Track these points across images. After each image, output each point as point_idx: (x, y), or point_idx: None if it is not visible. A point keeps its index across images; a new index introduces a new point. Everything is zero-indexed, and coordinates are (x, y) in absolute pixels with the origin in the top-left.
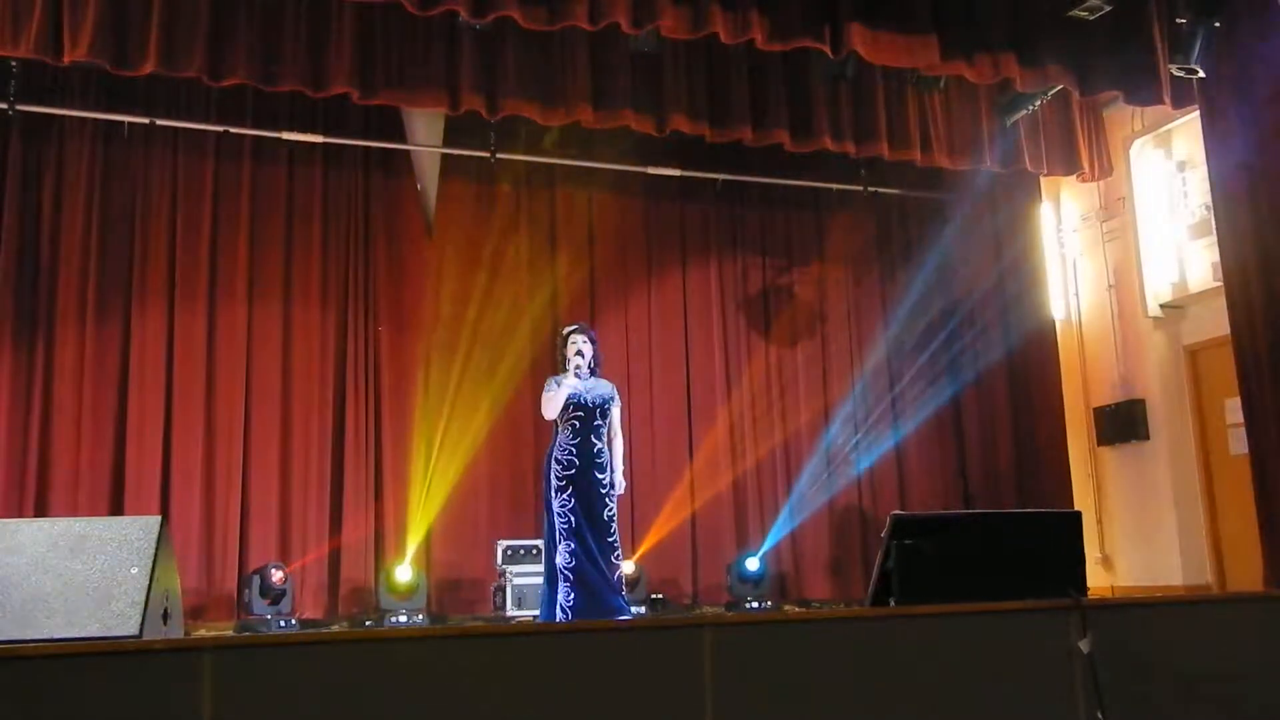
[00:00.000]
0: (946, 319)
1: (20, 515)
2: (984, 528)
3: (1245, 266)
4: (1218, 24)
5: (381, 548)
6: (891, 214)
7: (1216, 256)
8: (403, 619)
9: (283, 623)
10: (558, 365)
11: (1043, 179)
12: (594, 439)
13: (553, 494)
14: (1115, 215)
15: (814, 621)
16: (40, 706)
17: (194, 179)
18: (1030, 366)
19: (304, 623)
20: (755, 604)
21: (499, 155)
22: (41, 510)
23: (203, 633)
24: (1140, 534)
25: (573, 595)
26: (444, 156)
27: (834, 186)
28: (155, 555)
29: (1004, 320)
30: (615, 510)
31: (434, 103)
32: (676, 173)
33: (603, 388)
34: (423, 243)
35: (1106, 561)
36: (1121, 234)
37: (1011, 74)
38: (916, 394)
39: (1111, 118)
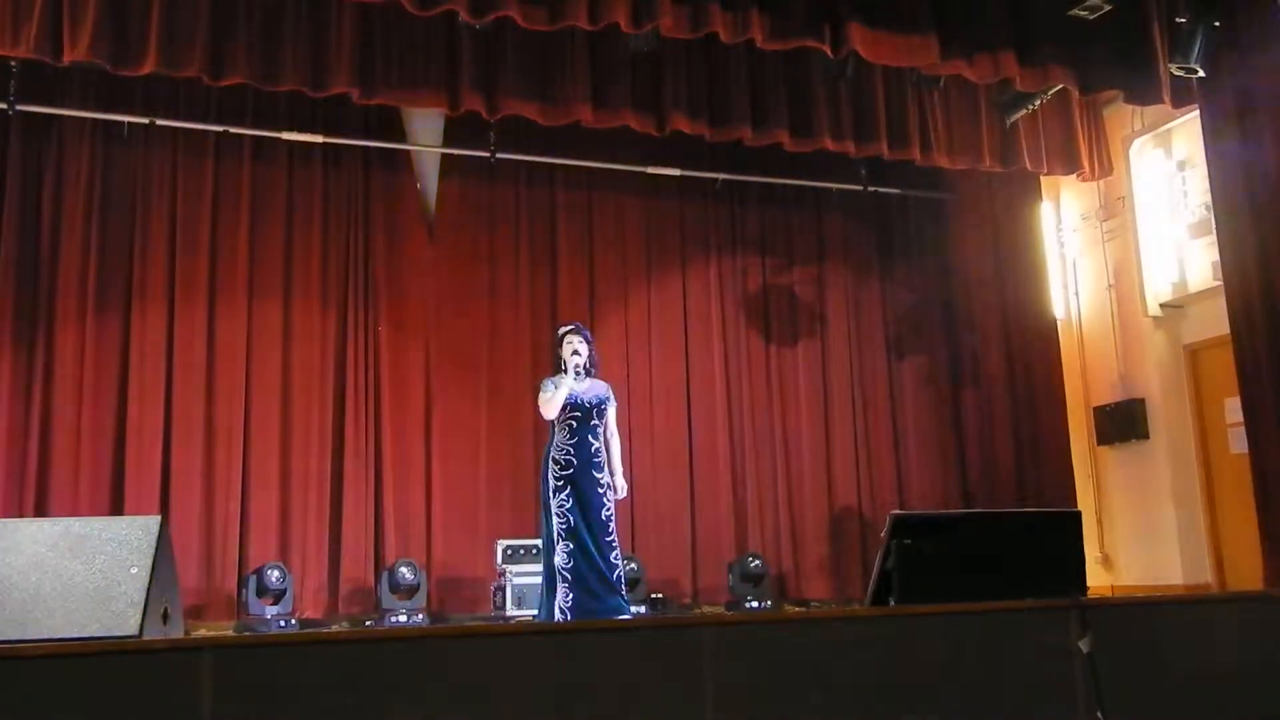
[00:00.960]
0: (946, 319)
1: (20, 515)
2: (984, 527)
3: (1245, 266)
4: (1218, 24)
5: (381, 548)
6: (891, 214)
7: (1216, 256)
8: (403, 619)
9: (283, 623)
10: (553, 365)
11: (1043, 178)
12: (591, 439)
13: (550, 494)
14: (1115, 215)
15: (814, 621)
16: (40, 706)
17: (194, 179)
18: (1030, 366)
19: (304, 623)
20: (755, 604)
21: (499, 155)
22: (41, 510)
23: (203, 633)
24: (1140, 533)
25: (571, 595)
26: (444, 156)
27: (834, 186)
28: (155, 555)
29: (1004, 320)
30: (613, 510)
31: (434, 103)
32: (676, 173)
33: (599, 388)
34: (423, 243)
35: (1106, 561)
36: (1121, 233)
37: (1011, 73)
38: (916, 394)
39: (1111, 117)
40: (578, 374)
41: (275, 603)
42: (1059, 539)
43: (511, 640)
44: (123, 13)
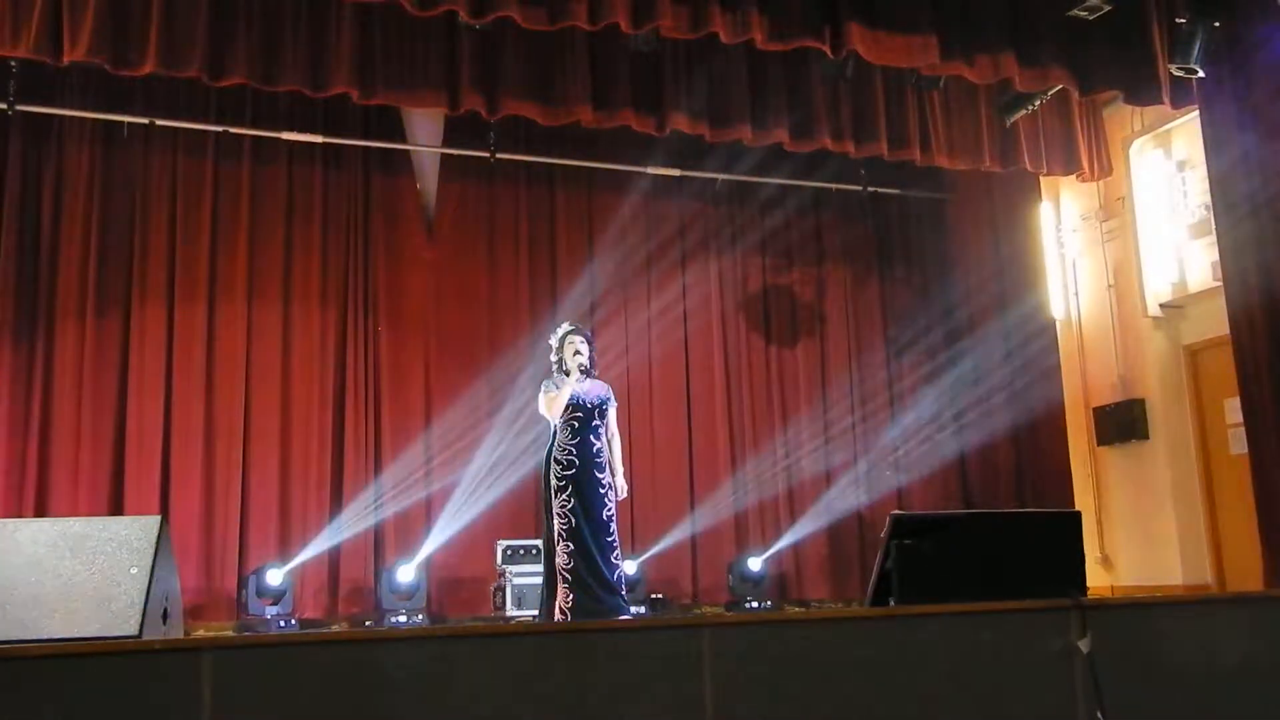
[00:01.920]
0: (946, 319)
1: (20, 515)
2: (984, 528)
3: (1245, 266)
4: (1218, 24)
5: (381, 548)
6: (891, 214)
7: (1216, 256)
8: (403, 619)
9: (283, 623)
10: (552, 365)
11: (1042, 179)
12: (593, 439)
13: (552, 494)
14: (1115, 215)
15: (814, 621)
16: (40, 706)
17: (194, 179)
18: (1030, 366)
19: (304, 623)
20: (755, 604)
21: (499, 155)
22: (41, 510)
23: (203, 633)
24: (1140, 534)
25: (572, 596)
26: (444, 156)
27: (834, 186)
28: (155, 555)
29: (1004, 320)
30: (614, 510)
31: (434, 103)
32: (676, 173)
33: (600, 388)
34: (422, 243)
35: (1106, 561)
36: (1121, 234)
37: (1011, 74)
38: (916, 393)
39: (1111, 118)
40: (581, 374)
41: (275, 603)
42: (1059, 539)
43: (511, 640)
44: (123, 13)
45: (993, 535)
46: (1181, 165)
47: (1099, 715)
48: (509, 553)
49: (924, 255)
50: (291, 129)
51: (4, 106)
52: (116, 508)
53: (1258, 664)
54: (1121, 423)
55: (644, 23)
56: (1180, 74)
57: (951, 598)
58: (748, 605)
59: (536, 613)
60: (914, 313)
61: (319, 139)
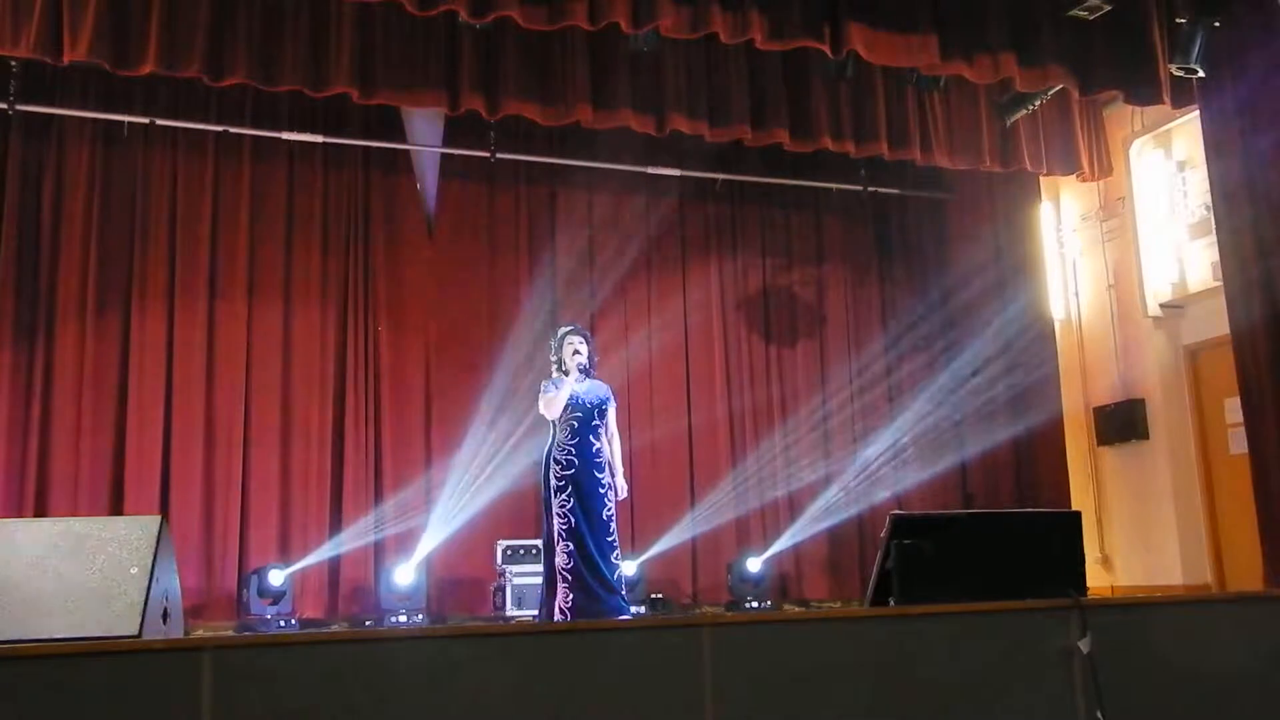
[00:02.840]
0: (945, 319)
1: (20, 515)
2: (984, 528)
3: (1245, 266)
4: (1218, 24)
5: (381, 548)
6: (891, 214)
7: (1216, 256)
8: (403, 619)
9: (283, 623)
10: (552, 365)
11: (1042, 179)
12: (592, 439)
13: (551, 494)
14: (1115, 215)
15: (814, 621)
16: (40, 706)
17: (194, 179)
18: (1030, 366)
19: (304, 623)
20: (755, 604)
21: (499, 155)
22: (41, 510)
23: (202, 633)
24: (1140, 534)
25: (572, 596)
26: (444, 156)
27: (834, 186)
28: (155, 555)
29: (1003, 320)
30: (614, 510)
31: (434, 103)
32: (676, 173)
33: (600, 388)
34: (423, 243)
35: (1106, 561)
36: (1121, 234)
37: (1011, 74)
38: (915, 393)
39: (1111, 118)
40: (580, 374)
41: (275, 603)
42: (1059, 539)
43: (511, 640)
44: (123, 13)
45: (993, 535)
46: (1181, 165)
47: (1099, 715)
48: (509, 553)
49: (924, 255)
50: (291, 129)
51: (4, 106)
52: (116, 508)
53: (1258, 664)
54: (1121, 423)
55: (644, 23)
56: (1180, 74)
57: (951, 598)
58: (748, 605)
59: (536, 613)
60: (914, 313)
61: (319, 139)
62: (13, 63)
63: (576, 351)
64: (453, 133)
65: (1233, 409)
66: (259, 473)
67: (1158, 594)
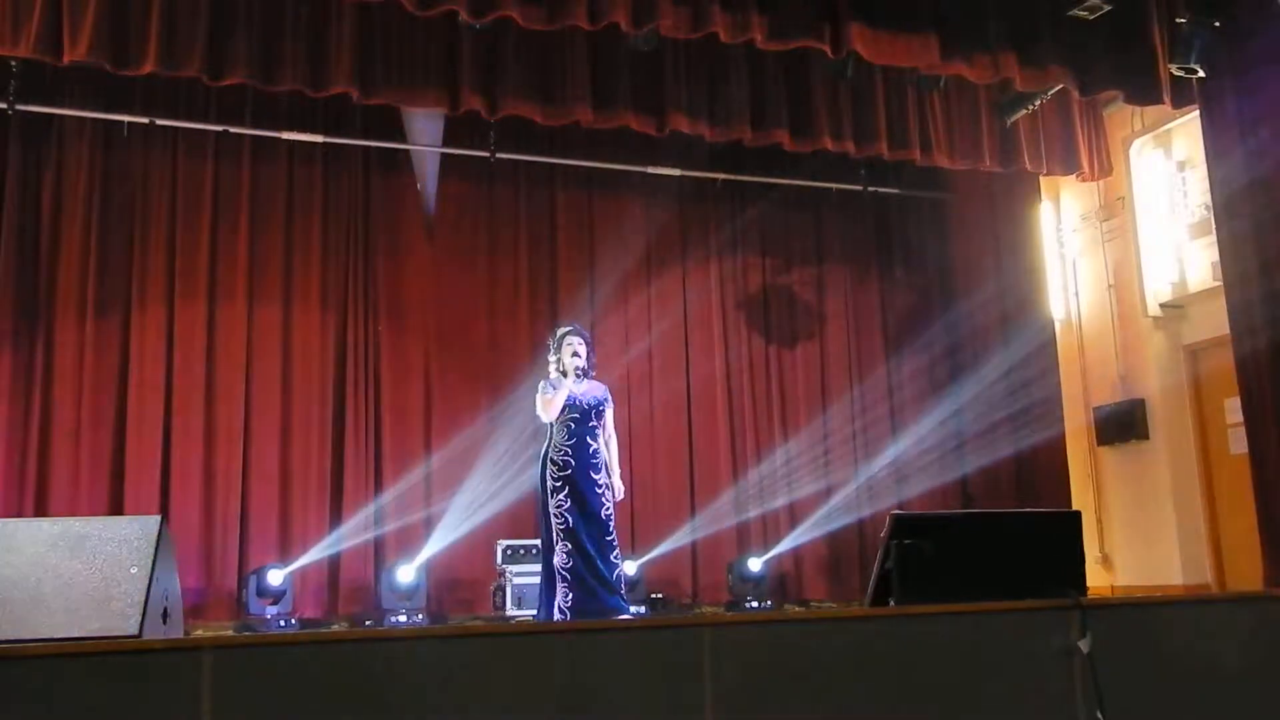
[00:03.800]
0: (946, 319)
1: (20, 515)
2: (984, 527)
3: (1245, 266)
4: (1218, 24)
5: (381, 547)
6: (891, 214)
7: (1216, 256)
8: (403, 619)
9: (283, 623)
10: (550, 366)
11: (1042, 179)
12: (589, 440)
13: (549, 495)
14: (1115, 215)
15: (814, 621)
16: (40, 706)
17: (194, 179)
18: (1030, 366)
19: (304, 623)
20: (755, 604)
21: (499, 155)
22: (41, 510)
23: (202, 633)
24: (1140, 534)
25: (571, 596)
26: (444, 156)
27: (834, 186)
28: (155, 555)
29: (1003, 320)
30: (612, 509)
31: (434, 103)
32: (676, 173)
33: (597, 389)
34: (422, 243)
35: (1106, 561)
36: (1121, 234)
37: (1011, 74)
38: (915, 393)
39: (1111, 118)
40: (578, 376)
41: (275, 603)
42: (1059, 539)
43: (511, 640)
44: (123, 13)
45: (993, 535)
46: (1181, 165)
47: (1099, 715)
48: (509, 553)
49: (924, 255)
50: (291, 129)
51: (4, 106)
52: (116, 508)
53: (1258, 664)
54: (1121, 423)
55: (644, 23)
56: (1180, 74)
57: (951, 598)
58: (748, 605)
59: (536, 613)
60: (914, 313)
61: (319, 139)
62: (13, 63)
63: (575, 354)
64: (453, 133)
65: (1233, 409)
66: (259, 472)
67: (1158, 594)
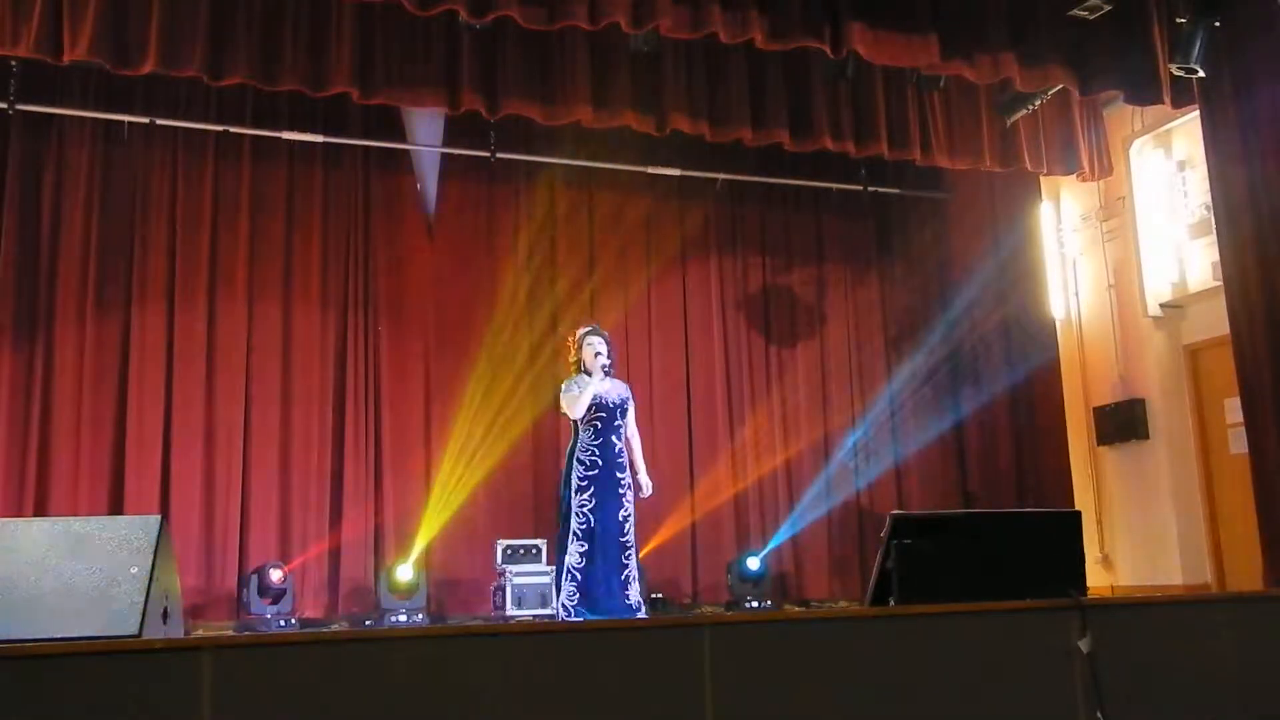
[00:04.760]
0: (946, 318)
1: (20, 515)
2: (984, 527)
3: (1245, 266)
4: (1218, 24)
5: (381, 547)
6: (891, 214)
7: (1216, 256)
8: (403, 619)
9: (283, 622)
10: (570, 367)
11: (1042, 178)
12: (614, 439)
13: (573, 493)
14: (1115, 215)
15: (814, 621)
16: (40, 706)
17: (194, 179)
18: (1030, 366)
19: (304, 622)
20: (755, 604)
21: (499, 155)
22: (41, 510)
23: (202, 632)
24: (1140, 534)
25: (578, 594)
26: (444, 156)
27: (834, 186)
28: (155, 555)
29: (1004, 320)
30: (631, 510)
31: (434, 103)
32: (676, 173)
33: (620, 388)
34: (423, 243)
35: (1106, 561)
36: (1121, 234)
37: (1011, 74)
38: (916, 394)
39: (1111, 117)
40: (603, 374)
41: (275, 603)
42: (1059, 539)
43: (511, 640)
44: (123, 13)
45: (993, 535)
46: (1181, 165)
47: (1099, 715)
48: (509, 552)
49: (924, 255)
50: (291, 129)
51: (4, 106)
52: (116, 508)
53: (1257, 663)
54: (1121, 423)
55: (644, 23)
56: (1180, 74)
57: (951, 598)
58: (748, 605)
59: (536, 612)
60: (914, 312)
61: (319, 139)
62: (13, 62)
63: (598, 353)
64: (453, 133)
65: (1233, 409)
66: (259, 472)
67: (1158, 594)
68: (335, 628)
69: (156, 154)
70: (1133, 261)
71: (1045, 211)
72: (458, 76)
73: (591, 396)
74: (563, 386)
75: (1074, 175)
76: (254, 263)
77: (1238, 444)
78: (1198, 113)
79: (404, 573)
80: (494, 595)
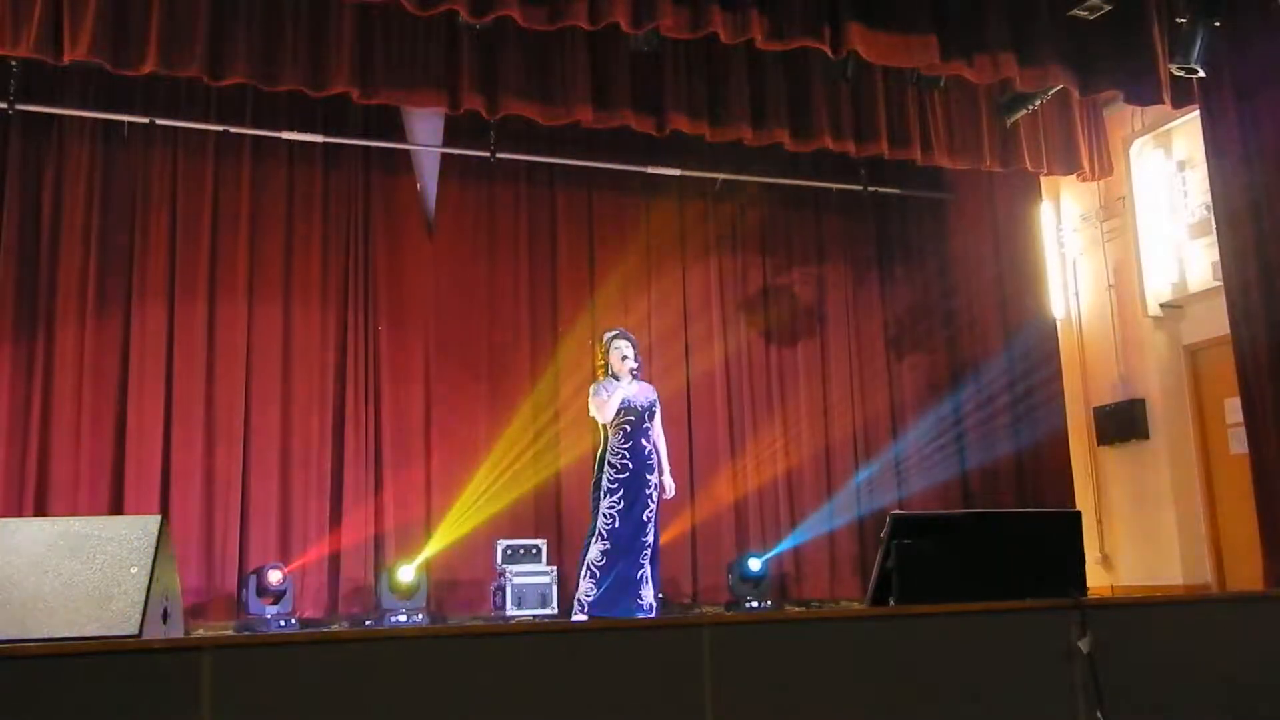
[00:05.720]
0: (946, 318)
1: (20, 515)
2: (984, 527)
3: (1245, 266)
4: (1218, 24)
5: (381, 548)
6: (891, 214)
7: (1216, 256)
8: (403, 619)
9: (283, 623)
10: (598, 371)
11: (1043, 179)
12: (644, 441)
13: (602, 495)
14: (1115, 215)
15: (814, 621)
16: (40, 706)
17: (194, 179)
18: (1030, 366)
19: (304, 623)
20: (755, 604)
21: (499, 155)
22: (41, 510)
23: (202, 633)
24: (1140, 534)
25: (594, 592)
26: (444, 156)
27: (834, 186)
28: (155, 555)
29: (1004, 320)
30: (655, 510)
31: (434, 103)
32: (676, 173)
33: (647, 390)
34: (423, 243)
35: (1106, 561)
36: (1121, 234)
37: (1011, 74)
38: (915, 393)
39: (1111, 117)
40: (631, 377)
41: (275, 603)
42: (1059, 539)
43: (511, 640)
44: (123, 13)
45: (993, 535)
46: (1181, 165)
47: (1099, 715)
48: (509, 553)
49: (924, 255)
50: (291, 129)
51: (4, 106)
52: (116, 508)
53: (1257, 663)
54: (1121, 422)
55: (644, 23)
56: (1180, 74)
57: (951, 598)
58: (748, 605)
59: (536, 612)
60: (914, 312)
61: (319, 139)
62: (13, 62)
63: (625, 356)
64: (453, 133)
65: (1233, 409)
66: (259, 472)
67: (1158, 594)
68: (335, 628)
69: (156, 154)
70: (1133, 261)
71: (1045, 211)
72: (458, 76)
73: (620, 400)
74: (591, 390)
75: (1074, 175)
76: (254, 262)
77: (1238, 444)
78: (1198, 113)
79: (405, 574)
80: (494, 595)
